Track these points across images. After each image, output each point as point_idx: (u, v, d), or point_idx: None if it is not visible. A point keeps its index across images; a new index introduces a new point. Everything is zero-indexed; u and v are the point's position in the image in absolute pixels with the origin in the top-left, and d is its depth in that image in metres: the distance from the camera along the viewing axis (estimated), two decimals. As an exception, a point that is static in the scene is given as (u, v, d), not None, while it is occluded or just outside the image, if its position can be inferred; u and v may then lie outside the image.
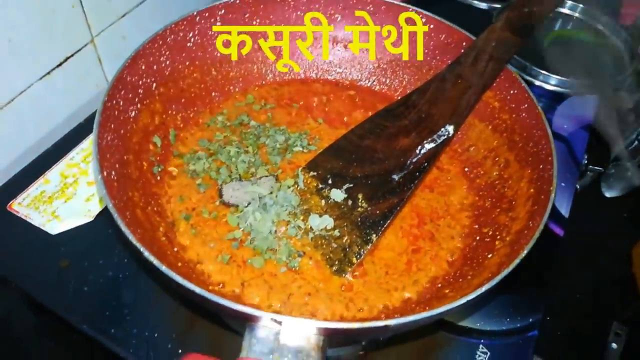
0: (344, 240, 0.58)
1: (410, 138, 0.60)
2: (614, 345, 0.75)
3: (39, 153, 0.76)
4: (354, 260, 0.57)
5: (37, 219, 0.68)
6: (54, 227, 0.67)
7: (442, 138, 0.60)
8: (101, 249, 0.66)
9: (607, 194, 0.89)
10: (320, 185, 0.62)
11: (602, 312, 0.79)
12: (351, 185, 0.61)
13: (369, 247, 0.57)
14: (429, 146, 0.59)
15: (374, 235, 0.57)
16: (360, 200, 0.60)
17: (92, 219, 0.69)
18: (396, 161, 0.60)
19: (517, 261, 0.44)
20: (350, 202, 0.60)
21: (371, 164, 0.61)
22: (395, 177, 0.59)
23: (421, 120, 0.61)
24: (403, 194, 0.59)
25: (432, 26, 0.71)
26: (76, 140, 0.77)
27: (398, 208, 0.59)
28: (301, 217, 0.61)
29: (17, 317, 0.69)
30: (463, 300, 0.41)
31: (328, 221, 0.59)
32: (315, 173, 0.63)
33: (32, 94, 0.74)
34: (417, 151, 0.59)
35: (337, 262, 0.57)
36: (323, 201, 0.61)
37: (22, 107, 0.73)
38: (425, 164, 0.59)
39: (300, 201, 0.61)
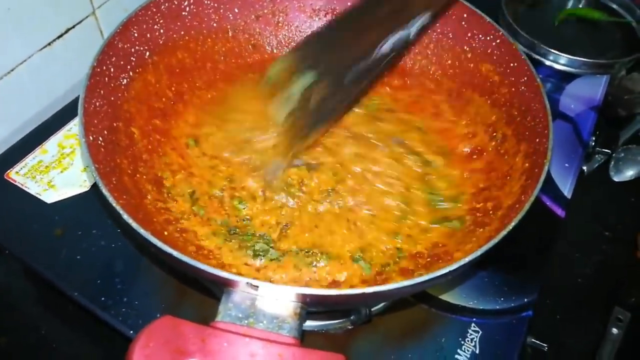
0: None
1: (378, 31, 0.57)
2: (615, 330, 0.73)
3: (38, 124, 0.76)
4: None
5: (34, 188, 0.68)
6: (50, 196, 0.68)
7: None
8: (95, 218, 0.66)
9: (616, 179, 0.87)
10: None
11: (603, 297, 0.78)
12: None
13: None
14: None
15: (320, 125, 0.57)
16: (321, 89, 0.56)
17: (87, 189, 0.69)
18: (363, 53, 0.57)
19: (504, 233, 0.43)
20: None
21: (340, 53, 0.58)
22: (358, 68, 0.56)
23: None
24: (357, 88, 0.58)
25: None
26: (75, 111, 0.76)
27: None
28: None
29: (15, 286, 0.70)
30: (443, 271, 0.40)
31: None
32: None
33: (32, 65, 0.74)
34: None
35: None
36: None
37: (22, 77, 0.73)
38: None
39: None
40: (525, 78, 0.59)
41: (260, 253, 0.55)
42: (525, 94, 0.59)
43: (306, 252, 0.56)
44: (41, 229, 0.65)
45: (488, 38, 0.65)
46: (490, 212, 0.55)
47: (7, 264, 0.70)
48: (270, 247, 0.56)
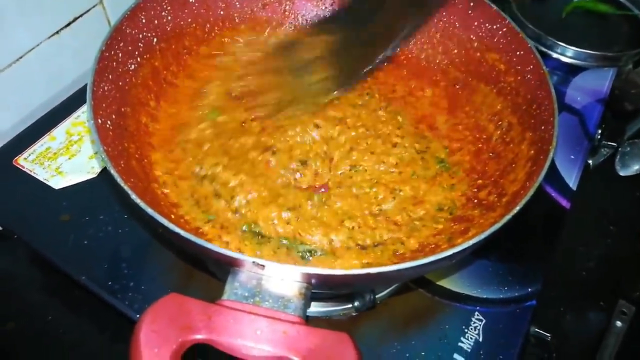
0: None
1: None
2: (619, 323, 0.73)
3: (46, 111, 0.77)
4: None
5: (42, 174, 0.69)
6: (58, 182, 0.68)
7: None
8: (102, 204, 0.66)
9: (622, 173, 0.87)
10: None
11: (608, 290, 0.77)
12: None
13: None
14: None
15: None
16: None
17: (95, 175, 0.70)
18: None
19: (507, 217, 0.43)
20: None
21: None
22: None
23: None
24: None
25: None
26: (83, 99, 0.76)
27: None
28: None
29: (22, 271, 0.71)
30: (447, 253, 0.40)
31: None
32: None
33: (40, 53, 0.74)
34: None
35: None
36: None
37: (31, 65, 0.74)
38: None
39: None
40: (531, 66, 0.59)
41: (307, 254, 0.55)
42: (531, 82, 0.59)
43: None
44: (49, 214, 0.65)
45: (494, 27, 0.65)
46: (495, 199, 0.55)
47: (15, 249, 0.71)
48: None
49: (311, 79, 0.59)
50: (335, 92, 0.61)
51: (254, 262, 0.40)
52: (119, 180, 0.44)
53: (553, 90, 0.54)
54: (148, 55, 0.61)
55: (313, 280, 0.41)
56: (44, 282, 0.70)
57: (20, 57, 0.72)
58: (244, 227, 0.55)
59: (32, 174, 0.69)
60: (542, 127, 0.54)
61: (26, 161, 0.70)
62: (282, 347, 0.37)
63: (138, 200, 0.42)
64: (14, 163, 0.70)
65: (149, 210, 0.41)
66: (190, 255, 0.60)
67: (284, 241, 0.55)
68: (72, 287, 0.63)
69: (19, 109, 0.76)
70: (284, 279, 0.41)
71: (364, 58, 0.61)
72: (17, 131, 0.74)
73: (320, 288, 0.44)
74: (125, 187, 0.43)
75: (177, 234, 0.41)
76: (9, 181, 0.68)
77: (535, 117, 0.57)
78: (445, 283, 0.63)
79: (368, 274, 0.39)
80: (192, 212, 0.56)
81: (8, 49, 0.70)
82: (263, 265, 0.40)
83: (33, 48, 0.73)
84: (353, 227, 0.56)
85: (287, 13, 0.74)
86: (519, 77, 0.61)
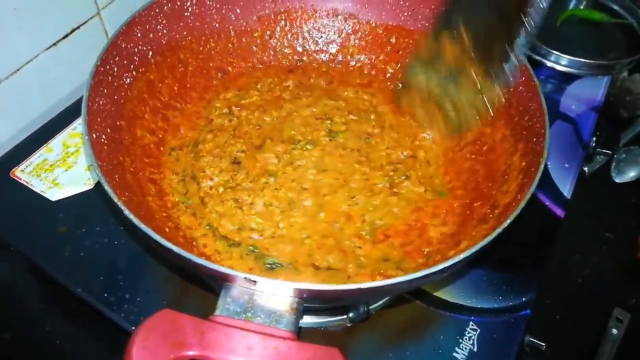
0: None
1: None
2: (615, 331, 0.73)
3: (43, 123, 0.77)
4: None
5: (38, 186, 0.69)
6: (54, 194, 0.69)
7: None
8: (98, 216, 0.67)
9: (617, 180, 0.87)
10: None
11: (603, 297, 0.78)
12: None
13: None
14: None
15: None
16: None
17: (91, 187, 0.70)
18: None
19: (499, 230, 0.44)
20: None
21: None
22: None
23: None
24: None
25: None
26: (80, 110, 0.77)
27: None
28: None
29: (20, 282, 0.71)
30: (439, 267, 0.41)
31: None
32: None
33: (38, 65, 0.75)
34: None
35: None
36: None
37: (28, 77, 0.74)
38: None
39: None
40: (523, 78, 0.60)
41: (275, 265, 0.56)
42: (523, 93, 0.59)
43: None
44: (45, 226, 0.66)
45: (487, 38, 0.65)
46: (489, 211, 0.55)
47: (11, 260, 0.71)
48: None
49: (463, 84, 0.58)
50: (495, 85, 0.59)
51: (245, 277, 0.40)
52: (112, 195, 0.44)
53: (544, 103, 0.55)
54: (143, 69, 0.61)
55: (305, 295, 0.41)
56: (42, 292, 0.70)
57: (18, 69, 0.73)
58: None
59: (28, 185, 0.69)
60: (534, 139, 0.54)
61: (23, 173, 0.71)
62: (274, 363, 0.37)
63: (132, 216, 0.43)
64: (10, 175, 0.70)
65: (142, 226, 0.42)
66: (183, 269, 0.60)
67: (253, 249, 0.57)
68: (70, 297, 0.63)
69: (16, 121, 0.76)
70: (276, 294, 0.41)
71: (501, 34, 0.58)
72: (14, 143, 0.74)
73: (313, 302, 0.44)
74: (119, 203, 0.43)
75: (170, 250, 0.41)
76: (5, 193, 0.69)
77: (527, 128, 0.57)
78: (439, 293, 0.63)
79: (360, 289, 0.40)
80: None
81: (5, 61, 0.71)
82: (255, 281, 0.40)
83: (31, 60, 0.74)
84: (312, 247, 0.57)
85: (281, 25, 0.75)
86: (511, 89, 0.62)
